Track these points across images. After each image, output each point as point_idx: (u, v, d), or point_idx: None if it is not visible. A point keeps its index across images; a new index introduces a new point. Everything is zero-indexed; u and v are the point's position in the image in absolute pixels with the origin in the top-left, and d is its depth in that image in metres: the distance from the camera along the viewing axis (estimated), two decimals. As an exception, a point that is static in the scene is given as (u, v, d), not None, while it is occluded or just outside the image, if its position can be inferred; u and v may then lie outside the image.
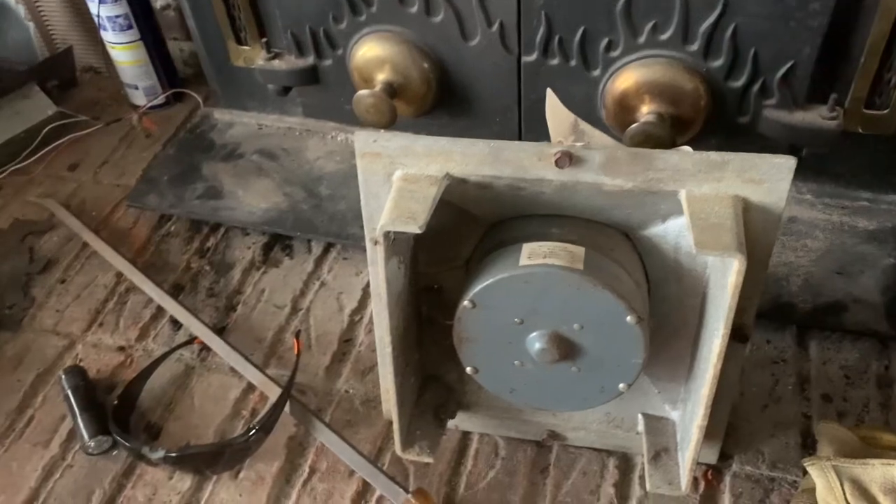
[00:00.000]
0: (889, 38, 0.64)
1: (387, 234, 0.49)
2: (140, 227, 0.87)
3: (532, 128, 0.78)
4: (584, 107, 0.73)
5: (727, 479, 0.62)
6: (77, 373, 0.71)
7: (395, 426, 0.58)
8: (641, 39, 0.68)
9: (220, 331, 0.75)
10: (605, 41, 0.69)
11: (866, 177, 0.75)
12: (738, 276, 0.46)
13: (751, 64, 0.67)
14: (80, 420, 0.67)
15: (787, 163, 0.47)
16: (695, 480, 0.62)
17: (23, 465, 0.67)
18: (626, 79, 0.70)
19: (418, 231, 0.48)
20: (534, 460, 0.64)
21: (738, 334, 0.55)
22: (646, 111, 0.70)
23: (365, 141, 0.52)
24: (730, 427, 0.64)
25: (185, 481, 0.65)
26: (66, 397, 0.69)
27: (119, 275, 0.81)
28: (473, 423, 0.66)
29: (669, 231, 0.54)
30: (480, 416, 0.65)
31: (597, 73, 0.72)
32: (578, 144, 0.50)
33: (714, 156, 0.48)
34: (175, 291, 0.80)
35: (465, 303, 0.54)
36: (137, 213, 0.88)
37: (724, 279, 0.47)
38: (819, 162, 0.75)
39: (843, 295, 0.69)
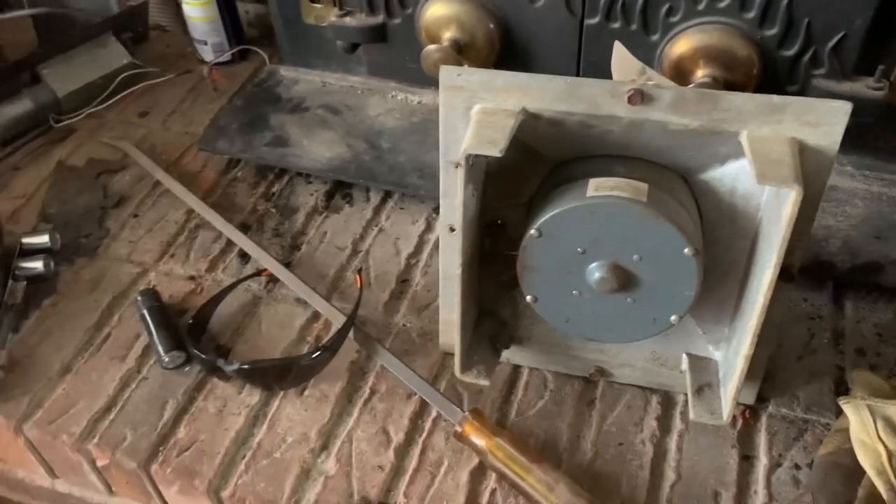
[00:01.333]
0: (938, 13, 0.68)
1: (468, 158, 0.54)
2: (208, 171, 0.92)
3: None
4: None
5: (764, 418, 0.66)
6: (152, 295, 0.76)
7: (457, 348, 0.63)
8: (701, 6, 0.72)
9: (285, 266, 0.80)
10: (666, 6, 0.73)
11: (906, 150, 0.79)
12: (794, 207, 0.49)
13: (804, 34, 0.71)
14: (155, 336, 0.72)
15: (844, 107, 0.51)
16: (734, 418, 0.66)
17: (101, 375, 0.72)
18: (684, 44, 0.74)
19: (499, 154, 0.52)
20: (581, 393, 0.69)
21: (785, 274, 0.59)
22: (700, 75, 0.74)
23: (449, 74, 0.57)
24: (767, 374, 0.68)
25: (254, 396, 0.69)
26: (143, 316, 0.74)
27: (189, 212, 0.86)
28: (524, 357, 0.70)
29: (727, 174, 0.58)
30: (531, 351, 0.69)
31: (656, 37, 0.76)
32: (650, 83, 0.54)
33: (776, 99, 0.52)
34: (242, 230, 0.84)
35: (532, 231, 0.58)
36: (206, 158, 0.93)
37: (780, 213, 0.51)
38: (860, 135, 0.78)
39: (881, 257, 0.72)
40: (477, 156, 0.56)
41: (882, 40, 0.71)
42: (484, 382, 0.64)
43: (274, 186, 0.90)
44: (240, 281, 0.78)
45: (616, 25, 0.76)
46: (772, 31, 0.72)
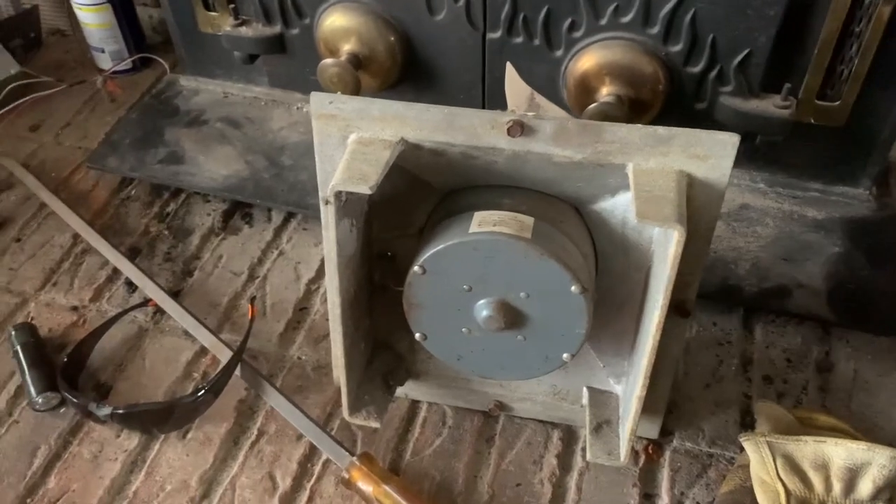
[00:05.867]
0: (841, 32, 0.66)
1: (338, 195, 0.50)
2: (100, 190, 0.87)
3: (496, 105, 0.79)
4: (546, 86, 0.74)
5: (667, 453, 0.64)
6: (27, 330, 0.71)
7: (343, 389, 0.59)
8: (603, 21, 0.69)
9: (175, 294, 0.75)
10: (568, 21, 0.70)
11: (818, 168, 0.77)
12: (678, 247, 0.47)
13: (708, 50, 0.68)
14: (27, 376, 0.67)
15: (731, 139, 0.49)
16: (636, 454, 0.63)
17: (-32, 419, 0.67)
18: (588, 60, 0.71)
19: (369, 192, 0.49)
20: (480, 429, 0.65)
21: (680, 309, 0.56)
22: (605, 92, 0.71)
23: (321, 102, 0.53)
24: (672, 404, 0.66)
25: (132, 440, 0.65)
26: (15, 353, 0.69)
27: (76, 236, 0.81)
28: (422, 392, 0.67)
29: (618, 205, 0.55)
30: (430, 386, 0.66)
31: (559, 52, 0.73)
32: (530, 114, 0.51)
33: (661, 130, 0.49)
34: (132, 254, 0.79)
35: (416, 268, 0.55)
36: (98, 176, 0.88)
37: (666, 251, 0.48)
38: (773, 152, 0.77)
39: (789, 280, 0.71)
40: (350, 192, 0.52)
41: (788, 58, 0.69)
42: (374, 425, 0.61)
43: (169, 206, 0.85)
44: (123, 312, 0.73)
45: (519, 40, 0.73)
46: (676, 48, 0.69)
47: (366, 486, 0.59)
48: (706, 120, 0.73)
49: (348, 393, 0.59)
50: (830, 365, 0.69)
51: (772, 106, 0.70)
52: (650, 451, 0.64)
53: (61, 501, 0.61)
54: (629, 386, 0.58)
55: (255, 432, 0.65)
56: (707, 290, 0.72)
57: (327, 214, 0.51)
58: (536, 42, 0.72)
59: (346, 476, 0.60)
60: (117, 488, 0.62)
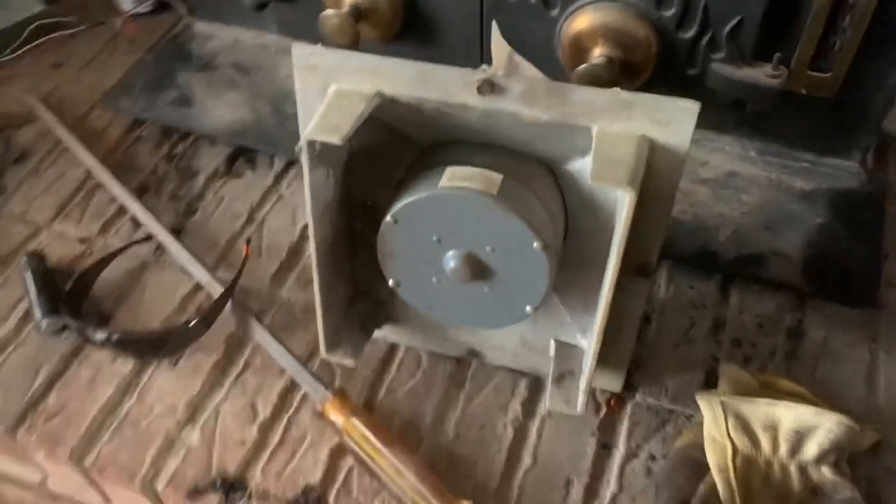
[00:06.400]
0: (835, 2, 0.66)
1: (311, 144, 0.52)
2: (113, 129, 0.90)
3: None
4: (542, 46, 0.75)
5: (629, 407, 0.66)
6: (37, 258, 0.75)
7: (320, 328, 0.63)
8: (597, -18, 0.70)
9: (177, 232, 0.79)
10: (563, -18, 0.71)
11: (809, 138, 0.77)
12: (629, 210, 0.49)
13: (701, 15, 0.69)
14: (34, 300, 0.72)
15: (692, 107, 0.50)
16: (598, 405, 0.66)
17: (-20, 337, 0.72)
18: (582, 21, 0.72)
19: (339, 143, 0.51)
20: (452, 374, 0.69)
21: (641, 270, 0.58)
22: (597, 54, 0.72)
23: (302, 54, 0.55)
24: (640, 361, 0.68)
25: (127, 365, 0.69)
26: (25, 279, 0.73)
27: (88, 171, 0.85)
28: (400, 337, 0.70)
29: (587, 166, 0.57)
30: (407, 331, 0.69)
31: (555, 12, 0.73)
32: (500, 73, 0.52)
33: (624, 94, 0.51)
34: (140, 192, 0.83)
35: (388, 219, 0.57)
36: (112, 115, 0.91)
37: (620, 213, 0.50)
38: (764, 121, 0.77)
39: (766, 248, 0.72)
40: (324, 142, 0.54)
41: (781, 27, 0.69)
42: (349, 363, 0.64)
43: (177, 147, 0.88)
44: (126, 247, 0.77)
45: (515, -1, 0.74)
46: (669, 12, 0.69)
47: (337, 419, 0.62)
48: (697, 86, 0.73)
49: (325, 332, 0.63)
50: (802, 333, 0.70)
51: (762, 75, 0.70)
52: (612, 404, 0.66)
53: (58, 417, 0.66)
54: (589, 340, 0.61)
55: (242, 364, 0.70)
56: (686, 254, 0.74)
57: (302, 162, 0.54)
58: (533, 1, 0.73)
59: (320, 409, 0.64)
60: (110, 408, 0.67)
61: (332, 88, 0.56)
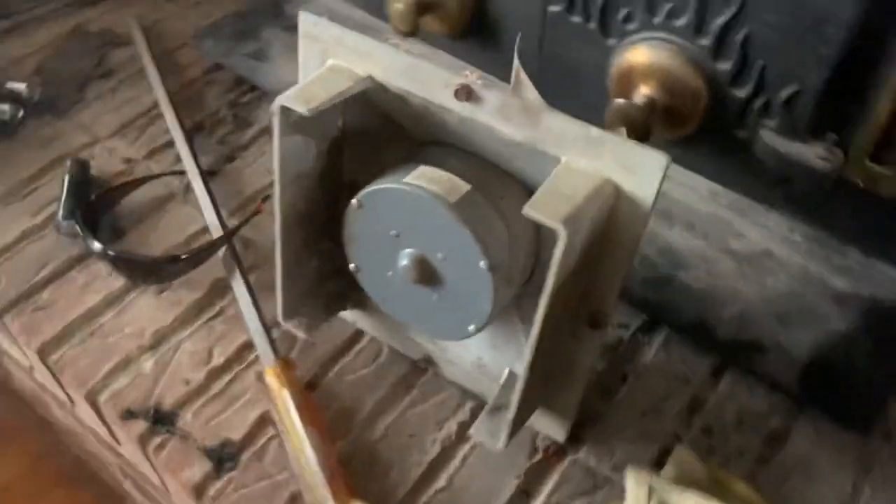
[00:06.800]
0: (909, 91, 0.59)
1: (283, 109, 0.53)
2: (194, 67, 0.95)
3: (547, 79, 0.78)
4: (593, 73, 0.72)
5: (566, 461, 0.63)
6: (82, 165, 0.81)
7: (278, 293, 0.63)
8: (657, 19, 0.66)
9: (211, 174, 0.82)
10: (624, 11, 0.68)
11: (861, 237, 0.69)
12: (560, 248, 0.46)
13: (757, 76, 0.63)
14: (62, 201, 0.77)
15: (659, 160, 0.46)
16: (535, 450, 0.63)
17: (9, 223, 0.78)
18: (635, 55, 0.68)
19: (305, 113, 0.51)
20: (404, 376, 0.67)
21: (592, 320, 0.55)
22: (642, 93, 0.68)
23: (307, 22, 0.56)
24: (598, 418, 0.65)
25: (118, 282, 0.73)
26: (63, 180, 0.79)
27: (157, 101, 0.90)
28: (367, 324, 0.70)
29: (560, 198, 0.54)
30: (374, 321, 0.69)
31: (612, 42, 0.70)
32: (479, 82, 0.51)
33: (594, 131, 0.48)
34: (195, 129, 0.87)
35: (354, 202, 0.57)
36: (197, 55, 0.96)
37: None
38: (815, 205, 0.70)
39: (769, 339, 0.66)
40: (322, 112, 0.55)
41: (843, 107, 0.62)
42: (301, 334, 0.65)
43: (244, 97, 0.92)
44: (159, 175, 0.81)
45: (577, 19, 0.71)
46: (725, 66, 0.64)
47: (272, 386, 0.63)
48: (744, 151, 0.68)
49: (283, 297, 0.63)
50: (783, 440, 0.64)
51: (814, 155, 0.64)
52: (549, 453, 0.63)
53: (43, 311, 0.71)
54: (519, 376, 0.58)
55: (217, 310, 0.72)
56: (683, 321, 0.69)
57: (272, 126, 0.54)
58: (591, 25, 0.70)
59: (260, 371, 0.64)
60: (89, 317, 0.71)
61: (330, 62, 0.56)
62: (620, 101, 0.66)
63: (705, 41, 0.65)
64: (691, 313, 0.68)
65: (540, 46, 0.76)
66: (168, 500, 0.76)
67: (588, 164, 0.49)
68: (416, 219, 0.54)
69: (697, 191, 0.76)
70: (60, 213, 0.76)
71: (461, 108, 0.52)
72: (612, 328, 0.71)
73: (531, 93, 0.56)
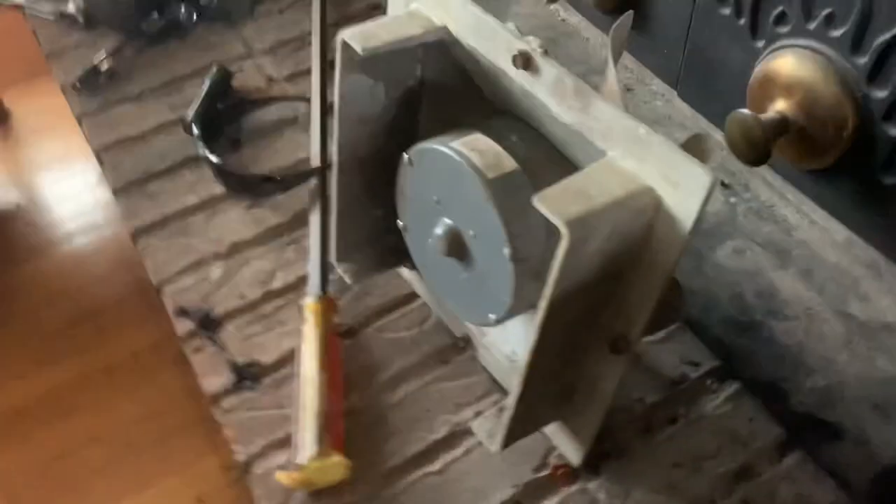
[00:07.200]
0: None
1: (344, 45, 0.51)
2: (362, 1, 0.96)
3: (691, 75, 0.69)
4: (735, 74, 0.63)
5: (574, 487, 0.57)
6: (225, 73, 0.85)
7: (333, 233, 0.63)
8: (812, 25, 0.56)
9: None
10: (778, 10, 0.58)
11: None
12: (562, 251, 0.40)
13: (918, 111, 0.52)
14: (196, 104, 0.81)
15: (703, 178, 0.39)
16: (544, 464, 0.58)
17: (151, 113, 0.84)
18: (780, 64, 0.58)
19: (360, 52, 0.49)
20: (441, 350, 0.65)
21: (615, 345, 0.48)
22: (777, 108, 0.58)
23: (398, -37, 0.53)
24: (628, 453, 0.59)
25: (219, 189, 0.77)
26: (204, 82, 0.83)
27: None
28: (421, 289, 0.67)
29: (610, 199, 0.48)
30: (427, 287, 0.66)
31: (760, 44, 0.61)
32: (540, 51, 0.45)
33: (643, 130, 0.42)
34: (340, 62, 0.88)
35: (405, 156, 0.54)
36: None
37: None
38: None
39: (852, 426, 0.55)
40: (392, 54, 0.53)
41: None
42: (347, 279, 0.64)
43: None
44: (290, 98, 0.83)
45: (726, 12, 0.62)
46: (881, 93, 0.53)
47: (307, 319, 0.63)
48: (890, 201, 0.56)
49: (338, 239, 0.63)
50: (840, 546, 0.54)
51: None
52: (557, 473, 0.58)
53: (150, 199, 0.76)
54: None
55: (294, 237, 0.73)
56: (756, 375, 0.59)
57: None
58: (741, 22, 0.61)
59: (302, 303, 0.64)
60: (184, 214, 0.75)
61: (413, 5, 0.53)
62: (743, 111, 0.57)
63: (863, 60, 0.54)
64: (768, 368, 0.58)
65: (686, 36, 0.68)
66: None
67: (632, 166, 0.42)
68: (455, 188, 0.51)
69: (830, 235, 0.64)
70: (190, 114, 0.81)
71: (520, 77, 0.47)
72: (682, 364, 0.63)
73: (612, 85, 0.49)
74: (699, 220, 0.40)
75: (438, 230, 0.53)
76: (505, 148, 0.50)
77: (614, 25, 0.52)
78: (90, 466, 1.20)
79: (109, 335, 1.31)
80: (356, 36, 0.50)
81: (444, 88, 0.57)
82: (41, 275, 1.44)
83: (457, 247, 0.52)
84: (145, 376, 1.27)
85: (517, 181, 0.49)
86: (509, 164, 0.49)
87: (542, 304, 0.43)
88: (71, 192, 1.67)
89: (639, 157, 0.42)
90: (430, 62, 0.55)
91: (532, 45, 0.46)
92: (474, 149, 0.50)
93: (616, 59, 0.51)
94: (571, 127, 0.45)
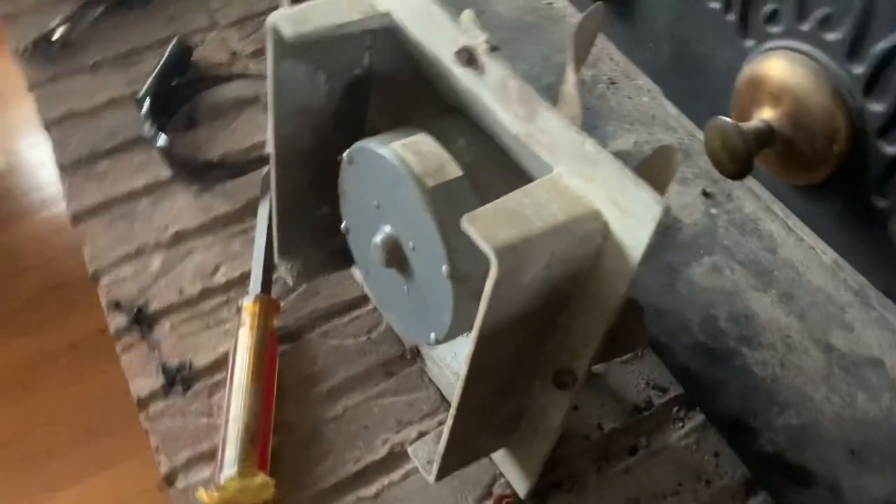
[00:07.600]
0: None
1: (273, 29, 0.46)
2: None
3: (676, 71, 0.64)
4: (720, 75, 0.58)
5: (518, 519, 0.52)
6: (185, 47, 0.79)
7: (275, 233, 0.58)
8: (806, 27, 0.50)
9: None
10: (770, 7, 0.52)
11: None
12: (491, 280, 0.35)
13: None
14: (150, 79, 0.76)
15: (653, 207, 0.34)
16: (488, 493, 0.53)
17: (103, 87, 0.79)
18: (769, 67, 0.53)
19: (289, 37, 0.44)
20: (389, 360, 0.60)
21: (558, 377, 0.44)
22: (765, 115, 0.53)
23: (342, -62, 0.48)
24: (580, 484, 0.54)
25: (167, 171, 0.72)
26: (162, 54, 0.78)
27: None
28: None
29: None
30: (381, 291, 0.61)
31: (750, 43, 0.55)
32: (485, 46, 0.40)
33: (589, 146, 0.36)
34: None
35: (345, 153, 0.49)
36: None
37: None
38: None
39: (823, 472, 0.50)
40: (331, 40, 0.47)
41: None
42: (288, 280, 0.59)
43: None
44: (250, 76, 0.78)
45: (715, 6, 0.56)
46: (877, 107, 0.48)
47: (243, 321, 0.58)
48: (880, 225, 0.51)
49: (279, 235, 0.58)
50: None
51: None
52: (501, 501, 0.53)
53: (96, 180, 0.71)
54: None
55: (242, 228, 0.68)
56: (717, 408, 0.55)
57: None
58: (730, 17, 0.56)
59: (241, 303, 0.60)
60: (129, 198, 0.70)
61: (357, -11, 0.48)
62: (723, 119, 0.52)
63: (859, 69, 0.48)
64: (735, 402, 0.54)
65: (672, 30, 0.62)
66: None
67: (579, 186, 0.37)
68: (394, 194, 0.46)
69: (817, 255, 0.59)
70: (143, 90, 0.75)
71: (464, 77, 0.42)
72: (647, 389, 0.58)
73: (573, 108, 0.44)
74: (648, 252, 0.35)
75: (377, 238, 0.48)
76: (451, 152, 0.45)
77: (579, 20, 0.46)
78: (49, 446, 1.17)
79: (77, 310, 1.27)
80: (286, 19, 0.45)
81: (395, 80, 0.51)
82: (12, 243, 1.40)
83: (397, 258, 0.47)
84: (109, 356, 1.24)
85: (461, 190, 0.44)
86: (452, 171, 0.44)
87: (473, 336, 0.38)
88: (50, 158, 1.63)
89: (586, 176, 0.36)
90: (379, 50, 0.50)
91: (478, 39, 0.40)
92: (416, 152, 0.45)
93: (581, 59, 0.46)
94: (517, 136, 0.40)
